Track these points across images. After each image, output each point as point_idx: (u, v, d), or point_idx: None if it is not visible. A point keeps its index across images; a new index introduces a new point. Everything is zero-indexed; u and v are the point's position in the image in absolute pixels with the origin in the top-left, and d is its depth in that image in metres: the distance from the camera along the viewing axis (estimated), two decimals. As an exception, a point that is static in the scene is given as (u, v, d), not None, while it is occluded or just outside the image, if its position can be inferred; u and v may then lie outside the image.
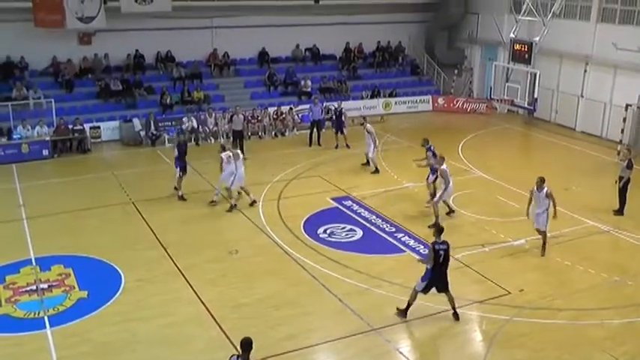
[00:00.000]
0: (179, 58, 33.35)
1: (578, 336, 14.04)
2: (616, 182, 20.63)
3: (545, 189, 17.17)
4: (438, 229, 14.15)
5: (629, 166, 20.27)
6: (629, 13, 29.53)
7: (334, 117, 28.66)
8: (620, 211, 20.51)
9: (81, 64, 31.47)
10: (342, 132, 28.26)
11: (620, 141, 27.80)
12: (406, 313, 14.26)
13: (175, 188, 21.68)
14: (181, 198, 21.46)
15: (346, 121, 28.56)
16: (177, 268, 16.57)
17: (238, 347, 10.28)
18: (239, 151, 21.49)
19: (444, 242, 13.91)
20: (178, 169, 21.56)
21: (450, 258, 14.11)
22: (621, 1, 29.80)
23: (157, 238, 18.39)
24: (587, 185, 23.50)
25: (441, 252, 13.82)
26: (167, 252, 17.48)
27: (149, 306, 14.73)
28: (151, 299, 15.02)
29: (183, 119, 28.80)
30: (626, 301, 15.50)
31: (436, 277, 13.94)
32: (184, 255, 17.25)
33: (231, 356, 10.16)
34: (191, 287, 15.58)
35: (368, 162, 25.04)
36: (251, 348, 10.02)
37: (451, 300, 14.23)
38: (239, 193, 21.08)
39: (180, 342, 13.41)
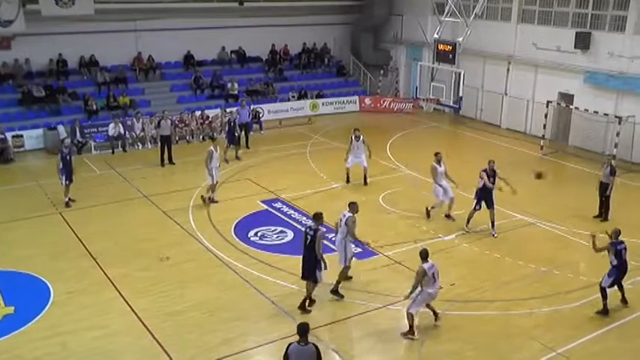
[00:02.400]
0: (103, 62, 32.71)
1: (509, 326, 14.44)
2: (596, 189, 20.65)
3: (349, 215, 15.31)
4: (315, 215, 14.58)
5: (613, 173, 20.44)
6: (547, 14, 30.61)
7: (229, 126, 27.30)
8: (605, 218, 20.51)
9: (0, 69, 30.48)
10: (235, 143, 27.07)
11: (543, 136, 28.73)
12: (304, 307, 14.69)
13: (67, 202, 21.18)
14: (67, 204, 21.10)
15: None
16: (108, 277, 16.21)
17: (171, 355, 10.14)
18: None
19: (315, 229, 14.28)
20: (64, 177, 20.96)
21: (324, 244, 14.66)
22: (539, 2, 30.83)
23: (85, 248, 17.96)
24: (512, 180, 23.97)
25: (309, 236, 14.33)
26: (97, 262, 17.09)
27: (80, 318, 14.36)
28: (81, 311, 14.66)
29: (110, 125, 28.18)
30: (553, 289, 16.03)
31: (303, 259, 14.53)
32: (114, 264, 16.90)
33: (290, 344, 10.25)
34: (122, 297, 15.28)
35: (365, 180, 23.42)
36: (308, 333, 10.18)
37: (308, 289, 14.65)
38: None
39: (112, 353, 13.12)
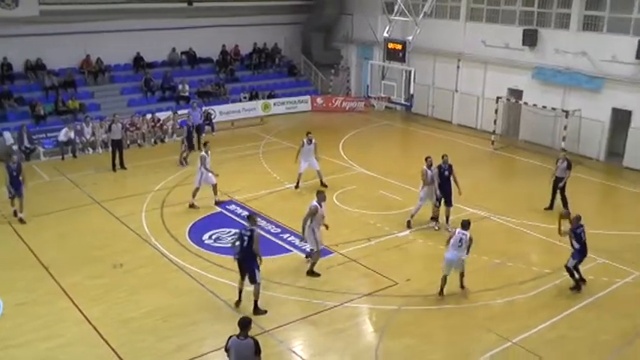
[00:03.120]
0: (50, 65, 31.94)
1: (465, 318, 14.69)
2: (550, 183, 20.91)
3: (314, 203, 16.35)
4: (249, 217, 15.16)
5: (569, 167, 20.71)
6: (495, 12, 31.21)
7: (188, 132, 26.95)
8: (551, 207, 20.84)
9: (-59, 75, 29.68)
10: (193, 148, 26.85)
11: (494, 131, 29.14)
12: (257, 310, 14.66)
13: (15, 212, 20.30)
14: (15, 214, 20.23)
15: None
16: (61, 287, 15.88)
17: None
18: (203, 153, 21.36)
19: (251, 230, 14.46)
20: (7, 191, 20.16)
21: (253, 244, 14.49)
22: (487, 1, 31.39)
23: (36, 257, 17.55)
24: (465, 175, 24.11)
25: (245, 237, 14.42)
26: (48, 271, 16.72)
27: (32, 330, 14.03)
28: (33, 322, 14.31)
29: (62, 130, 27.46)
30: (507, 281, 16.35)
31: (239, 260, 14.66)
32: (67, 273, 16.56)
33: (230, 337, 10.38)
34: (76, 306, 14.99)
35: (323, 182, 22.90)
36: (249, 327, 10.34)
37: (255, 294, 14.68)
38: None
39: (66, 364, 12.90)
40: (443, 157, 19.41)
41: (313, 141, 22.62)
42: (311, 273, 16.51)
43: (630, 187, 24.23)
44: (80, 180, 24.07)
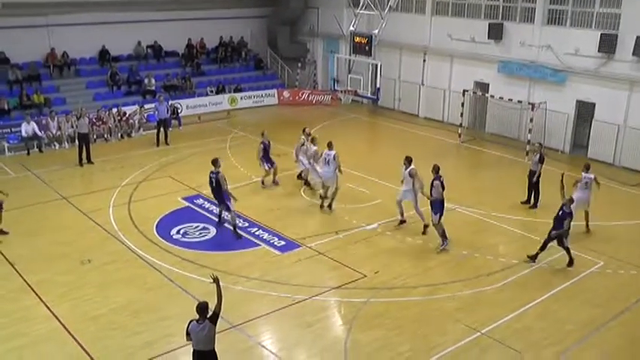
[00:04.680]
0: (14, 59, 31.40)
1: (433, 310, 14.79)
2: (528, 176, 21.04)
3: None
4: (212, 161, 18.46)
5: (541, 161, 20.76)
6: (460, 6, 31.41)
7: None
8: (534, 205, 20.94)
9: None
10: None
11: (461, 124, 29.37)
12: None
13: None
14: None
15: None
16: (27, 284, 15.70)
17: None
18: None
19: (216, 172, 18.11)
20: None
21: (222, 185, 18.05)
22: (451, -6, 31.60)
23: (2, 254, 17.30)
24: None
25: (212, 178, 18.21)
26: (15, 268, 16.51)
27: (-2, 327, 13.88)
28: (-1, 319, 14.17)
29: (22, 125, 27.09)
30: (474, 272, 16.52)
31: (214, 195, 18.75)
32: (34, 269, 16.37)
33: (190, 322, 10.76)
34: (43, 303, 14.83)
35: (302, 177, 22.85)
36: (207, 311, 10.72)
37: (232, 219, 18.40)
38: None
39: (34, 362, 12.75)
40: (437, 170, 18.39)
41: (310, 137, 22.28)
42: (329, 206, 20.21)
43: (594, 179, 24.61)
44: (47, 175, 23.78)
